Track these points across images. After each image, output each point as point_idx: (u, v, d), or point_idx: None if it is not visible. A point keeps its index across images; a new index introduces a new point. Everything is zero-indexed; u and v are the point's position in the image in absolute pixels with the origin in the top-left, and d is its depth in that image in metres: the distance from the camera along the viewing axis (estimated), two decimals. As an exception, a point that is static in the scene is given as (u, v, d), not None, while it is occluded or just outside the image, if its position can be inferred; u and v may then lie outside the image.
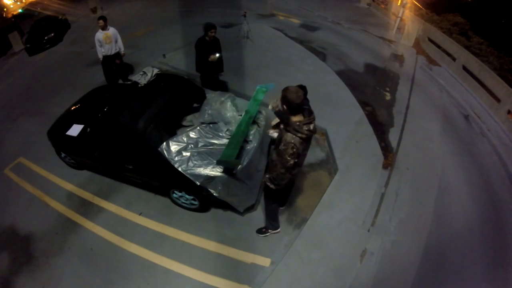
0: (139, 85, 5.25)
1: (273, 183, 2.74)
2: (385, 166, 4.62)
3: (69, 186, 4.46)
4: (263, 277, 3.24)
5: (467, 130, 5.99)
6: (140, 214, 3.97)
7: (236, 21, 9.48)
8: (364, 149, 4.84)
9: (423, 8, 13.84)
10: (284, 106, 2.46)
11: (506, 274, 3.52)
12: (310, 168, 4.51)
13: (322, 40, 8.98)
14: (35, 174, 4.76)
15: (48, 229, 3.91)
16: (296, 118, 2.48)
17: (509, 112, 6.30)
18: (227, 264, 3.41)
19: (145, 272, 3.37)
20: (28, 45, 9.78)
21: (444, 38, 8.80)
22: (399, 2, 11.08)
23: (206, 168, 3.28)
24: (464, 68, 7.74)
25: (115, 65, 6.22)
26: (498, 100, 6.60)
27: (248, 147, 3.53)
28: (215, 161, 3.25)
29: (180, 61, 7.58)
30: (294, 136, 2.43)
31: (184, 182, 3.35)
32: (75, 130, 4.21)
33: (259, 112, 3.98)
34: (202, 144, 3.49)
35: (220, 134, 3.63)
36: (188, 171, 3.28)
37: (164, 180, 3.73)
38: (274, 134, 2.98)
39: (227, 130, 3.67)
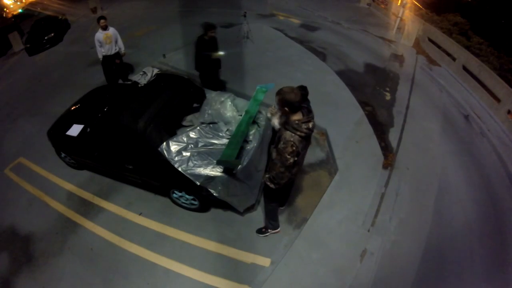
0: (139, 85, 5.25)
1: (273, 182, 2.74)
2: (385, 166, 4.62)
3: (69, 186, 4.46)
4: (263, 277, 3.24)
5: (467, 130, 5.99)
6: (140, 214, 3.97)
7: (236, 21, 9.48)
8: (364, 149, 4.84)
9: (423, 8, 13.85)
10: (285, 108, 2.47)
11: (506, 274, 3.52)
12: (310, 168, 4.51)
13: (322, 40, 8.98)
14: (35, 174, 4.76)
15: (48, 229, 3.92)
16: (295, 117, 2.49)
17: (509, 112, 6.30)
18: (227, 264, 3.41)
19: (145, 272, 3.37)
20: (28, 45, 9.78)
21: (444, 38, 8.81)
22: (399, 2, 11.09)
23: (206, 168, 3.28)
24: (464, 68, 7.74)
25: (115, 65, 6.22)
26: (498, 100, 6.61)
27: (248, 147, 3.53)
28: (215, 161, 3.25)
29: (180, 61, 7.58)
30: (293, 134, 2.44)
31: (184, 182, 3.35)
32: (75, 130, 4.21)
33: (259, 112, 3.98)
34: (202, 144, 3.49)
35: (220, 134, 3.63)
36: (188, 171, 3.28)
37: (164, 180, 3.73)
38: (275, 122, 2.95)
39: (227, 130, 3.67)
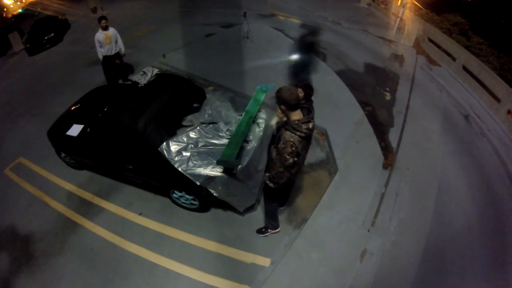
0: (139, 85, 5.25)
1: (272, 181, 2.74)
2: (385, 166, 4.62)
3: (69, 186, 4.46)
4: (263, 277, 3.24)
5: (467, 130, 5.99)
6: (140, 214, 3.97)
7: (236, 21, 9.49)
8: (364, 149, 4.84)
9: (423, 8, 13.84)
10: (282, 106, 2.48)
11: (506, 274, 3.52)
12: (310, 168, 4.51)
13: (322, 40, 8.98)
14: (35, 174, 4.76)
15: (48, 229, 3.92)
16: (295, 116, 2.49)
17: (509, 112, 6.30)
18: (227, 264, 3.41)
19: (145, 272, 3.37)
20: (28, 45, 9.78)
21: (444, 38, 8.80)
22: (399, 2, 11.08)
23: (206, 168, 3.28)
24: (464, 68, 7.74)
25: (115, 65, 6.22)
26: (498, 100, 6.60)
27: (248, 147, 3.52)
28: (215, 161, 3.25)
29: (180, 61, 7.58)
30: (293, 134, 2.44)
31: (184, 182, 3.35)
32: (75, 130, 4.21)
33: (259, 112, 3.98)
34: (202, 144, 3.49)
35: (220, 134, 3.63)
36: (188, 171, 3.28)
37: (164, 180, 3.73)
38: (273, 121, 2.96)
39: (227, 130, 3.67)
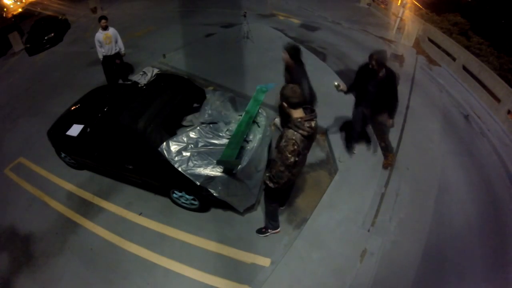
0: (139, 85, 5.25)
1: (272, 181, 2.73)
2: (385, 166, 4.62)
3: (69, 186, 4.47)
4: (263, 277, 3.24)
5: (467, 130, 5.99)
6: (140, 214, 3.97)
7: (236, 21, 9.49)
8: (364, 149, 4.83)
9: (423, 8, 13.84)
10: (284, 104, 2.50)
11: (506, 274, 3.51)
12: (310, 168, 4.50)
13: (322, 40, 8.98)
14: (35, 174, 4.77)
15: (48, 229, 3.92)
16: (297, 114, 2.48)
17: (509, 112, 6.30)
18: (227, 264, 3.41)
19: (145, 272, 3.37)
20: (28, 45, 9.79)
21: (444, 38, 8.80)
22: (399, 2, 11.08)
23: (206, 168, 3.28)
24: (464, 68, 7.73)
25: (115, 65, 6.22)
26: (498, 100, 6.60)
27: (248, 147, 3.53)
28: (215, 161, 3.25)
29: (180, 61, 7.58)
30: (295, 132, 2.43)
31: (184, 182, 3.36)
32: (75, 130, 4.21)
33: (259, 112, 3.98)
34: (202, 144, 3.49)
35: (220, 134, 3.63)
36: (188, 171, 3.28)
37: (164, 180, 3.73)
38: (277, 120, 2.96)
39: (227, 130, 3.67)
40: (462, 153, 5.29)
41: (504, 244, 3.84)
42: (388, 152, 4.91)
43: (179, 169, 3.29)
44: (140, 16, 11.76)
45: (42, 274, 3.46)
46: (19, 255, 3.68)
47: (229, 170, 3.24)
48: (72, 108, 4.82)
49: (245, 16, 8.02)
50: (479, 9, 14.84)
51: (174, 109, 3.92)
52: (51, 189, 4.46)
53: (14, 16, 15.48)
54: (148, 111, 3.67)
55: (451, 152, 5.25)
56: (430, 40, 9.17)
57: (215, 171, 3.26)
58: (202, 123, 3.77)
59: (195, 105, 4.25)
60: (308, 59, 7.50)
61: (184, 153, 3.36)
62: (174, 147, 3.38)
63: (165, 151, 3.35)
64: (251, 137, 3.68)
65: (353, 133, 4.61)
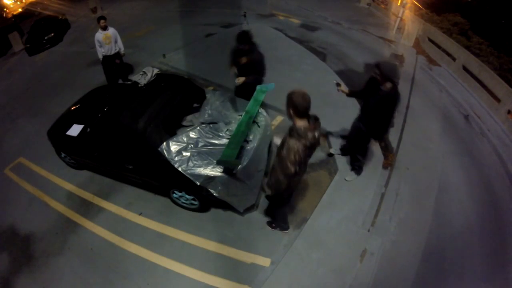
0: (139, 85, 5.25)
1: (271, 188, 2.69)
2: (385, 166, 4.63)
3: (69, 186, 4.46)
4: (263, 277, 3.24)
5: (467, 130, 5.99)
6: (140, 214, 3.97)
7: (236, 21, 9.49)
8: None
9: (423, 8, 13.83)
10: (290, 110, 2.37)
11: (506, 274, 3.52)
12: (310, 168, 4.50)
13: (322, 40, 8.98)
14: (35, 174, 4.77)
15: (48, 229, 3.92)
16: (301, 123, 2.36)
17: (509, 112, 6.30)
18: (227, 264, 3.41)
19: (145, 272, 3.37)
20: (28, 45, 9.79)
21: (444, 38, 8.80)
22: (399, 2, 11.08)
23: (206, 168, 3.28)
24: (464, 68, 7.73)
25: (115, 65, 6.22)
26: (498, 100, 6.59)
27: (248, 147, 3.53)
28: (215, 161, 3.25)
29: (180, 61, 7.58)
30: (297, 142, 2.34)
31: (184, 182, 3.36)
32: (75, 130, 4.21)
33: (259, 112, 3.98)
34: (202, 144, 3.49)
35: (220, 134, 3.63)
36: (188, 171, 3.28)
37: (164, 180, 3.73)
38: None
39: (227, 130, 3.67)
40: (462, 153, 5.29)
41: (504, 244, 3.84)
42: (388, 152, 4.91)
43: (179, 169, 3.29)
44: (140, 16, 11.76)
45: (42, 274, 3.45)
46: (19, 255, 3.68)
47: (229, 170, 3.24)
48: (72, 108, 4.82)
49: (245, 16, 8.03)
50: (479, 9, 14.83)
51: (174, 109, 3.92)
52: (51, 189, 4.46)
53: (14, 16, 15.46)
54: (148, 111, 3.67)
55: (451, 152, 5.25)
56: (430, 40, 9.16)
57: (215, 171, 3.26)
58: (202, 123, 3.77)
59: (195, 105, 4.25)
60: (308, 59, 7.55)
61: (184, 153, 3.36)
62: (174, 147, 3.38)
63: (165, 151, 3.35)
64: (251, 137, 3.68)
65: (348, 149, 4.43)
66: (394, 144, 5.18)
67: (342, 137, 4.86)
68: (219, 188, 3.31)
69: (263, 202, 3.94)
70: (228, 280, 3.26)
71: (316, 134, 2.41)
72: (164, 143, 3.37)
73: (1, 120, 6.29)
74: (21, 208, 4.26)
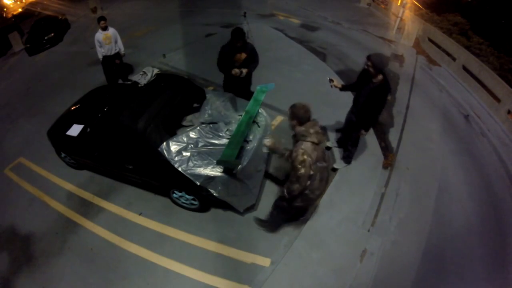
0: (139, 85, 5.26)
1: (285, 191, 2.73)
2: (385, 166, 4.63)
3: (69, 186, 4.46)
4: (263, 277, 3.24)
5: (467, 130, 5.99)
6: (140, 214, 3.97)
7: (236, 21, 9.48)
8: (364, 149, 4.83)
9: (423, 8, 13.84)
10: (293, 122, 2.58)
11: (506, 274, 3.52)
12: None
13: (322, 40, 8.98)
14: (35, 174, 4.76)
15: (48, 229, 3.92)
16: (300, 128, 2.55)
17: (509, 112, 6.30)
18: (227, 264, 3.41)
19: (145, 272, 3.37)
20: (28, 45, 9.79)
21: (444, 38, 8.80)
22: (399, 2, 11.09)
23: (206, 168, 3.28)
24: (464, 68, 7.74)
25: (115, 65, 6.22)
26: (498, 100, 6.60)
27: (248, 147, 3.53)
28: (215, 161, 3.25)
29: (180, 61, 7.58)
30: (303, 142, 2.47)
31: (184, 182, 3.36)
32: (75, 130, 4.21)
33: (259, 112, 3.98)
34: (202, 144, 3.49)
35: (220, 134, 3.63)
36: (188, 171, 3.28)
37: (164, 180, 3.73)
38: (267, 142, 2.84)
39: (227, 130, 3.67)
40: (462, 153, 5.29)
41: (504, 244, 3.84)
42: (388, 152, 4.91)
43: (179, 169, 3.29)
44: (140, 16, 11.76)
45: (42, 274, 3.45)
46: (19, 255, 3.67)
47: (229, 170, 3.25)
48: (72, 108, 4.82)
49: (245, 16, 8.02)
50: (479, 9, 14.83)
51: (174, 109, 3.92)
52: (51, 189, 4.46)
53: (14, 16, 15.47)
54: (148, 111, 3.67)
55: (451, 152, 5.25)
56: (430, 40, 9.17)
57: (215, 171, 3.26)
58: (202, 123, 3.77)
59: (195, 105, 4.25)
60: (308, 59, 7.55)
61: (184, 153, 3.36)
62: (174, 147, 3.38)
63: (165, 151, 3.35)
64: (251, 137, 3.68)
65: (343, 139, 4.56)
66: (394, 144, 5.18)
67: (337, 130, 4.97)
68: (219, 188, 3.31)
69: (263, 202, 3.94)
70: (228, 280, 3.26)
71: (317, 128, 2.55)
72: (164, 143, 3.37)
73: (1, 120, 6.28)
74: (21, 208, 4.26)
